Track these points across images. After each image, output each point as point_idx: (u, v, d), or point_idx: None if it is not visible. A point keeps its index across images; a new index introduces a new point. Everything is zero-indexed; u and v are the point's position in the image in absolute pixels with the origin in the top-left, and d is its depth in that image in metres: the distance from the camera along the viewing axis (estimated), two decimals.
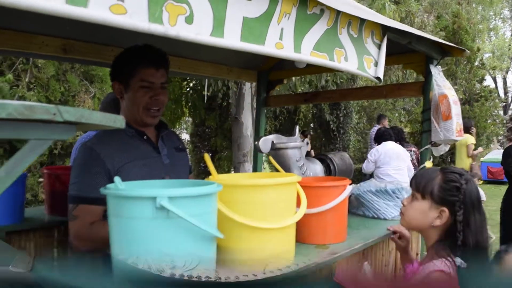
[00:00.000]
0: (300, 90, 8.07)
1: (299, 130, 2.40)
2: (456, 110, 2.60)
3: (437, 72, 2.64)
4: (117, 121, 0.91)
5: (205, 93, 7.25)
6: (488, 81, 27.99)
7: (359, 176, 9.13)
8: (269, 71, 3.34)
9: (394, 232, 1.91)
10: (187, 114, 10.43)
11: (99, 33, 2.22)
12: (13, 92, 4.57)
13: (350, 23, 1.72)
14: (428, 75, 2.64)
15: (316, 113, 12.13)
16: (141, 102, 1.75)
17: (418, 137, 18.47)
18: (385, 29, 1.94)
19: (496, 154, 14.41)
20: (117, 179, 1.14)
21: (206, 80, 7.45)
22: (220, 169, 10.18)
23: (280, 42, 1.40)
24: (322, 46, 1.59)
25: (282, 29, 1.40)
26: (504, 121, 5.47)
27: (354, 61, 1.77)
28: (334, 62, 1.66)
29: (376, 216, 2.24)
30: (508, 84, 29.13)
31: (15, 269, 0.94)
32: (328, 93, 3.68)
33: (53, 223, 2.35)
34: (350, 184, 1.85)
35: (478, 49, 20.88)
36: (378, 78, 1.86)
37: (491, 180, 14.26)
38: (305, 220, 1.67)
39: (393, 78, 8.82)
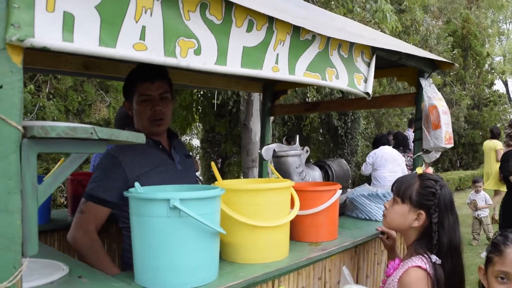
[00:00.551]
0: (308, 96, 8.29)
1: (298, 139, 2.61)
2: (445, 119, 2.79)
3: (427, 85, 2.84)
4: (140, 137, 1.15)
5: (215, 101, 7.48)
6: (498, 86, 27.94)
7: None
8: (274, 82, 3.56)
9: (382, 232, 2.12)
10: (198, 120, 10.68)
11: None
12: (34, 101, 4.84)
13: (340, 45, 1.93)
14: (419, 87, 2.84)
15: (325, 119, 12.32)
16: (145, 115, 1.95)
17: None
18: (374, 49, 2.16)
19: None
20: (136, 184, 1.37)
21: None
22: (230, 174, 10.41)
23: (276, 65, 1.62)
24: (314, 67, 1.80)
25: (277, 55, 1.62)
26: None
27: (344, 79, 1.98)
28: (326, 81, 1.87)
29: (368, 218, 2.44)
30: None
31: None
32: (328, 103, 3.89)
33: None
34: (342, 189, 2.07)
35: (488, 54, 20.96)
36: (367, 93, 2.07)
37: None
38: (300, 221, 1.90)
39: (399, 86, 8.97)
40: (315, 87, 8.12)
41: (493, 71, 22.94)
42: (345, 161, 2.93)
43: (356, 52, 2.04)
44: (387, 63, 2.55)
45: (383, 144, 5.99)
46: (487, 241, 6.43)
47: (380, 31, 6.06)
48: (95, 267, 1.56)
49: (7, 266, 0.94)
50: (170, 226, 1.26)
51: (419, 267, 1.69)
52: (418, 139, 2.86)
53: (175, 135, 2.15)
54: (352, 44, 1.98)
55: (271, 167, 2.07)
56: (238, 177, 9.66)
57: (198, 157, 12.55)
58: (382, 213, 1.88)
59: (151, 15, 1.20)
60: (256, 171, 7.56)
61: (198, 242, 1.30)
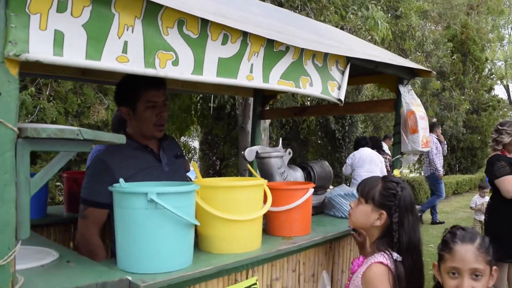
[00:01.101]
0: (304, 100, 8.48)
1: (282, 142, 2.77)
2: (422, 124, 2.95)
3: (406, 91, 2.99)
4: (120, 138, 1.32)
5: (211, 104, 7.66)
6: (499, 90, 28.03)
7: None
8: None
9: (355, 230, 2.27)
10: (196, 123, 10.88)
11: None
12: (34, 103, 5.02)
13: (314, 55, 2.09)
14: (399, 94, 3.00)
15: (322, 122, 12.48)
16: (150, 120, 2.09)
17: None
18: (349, 58, 2.31)
19: None
20: (121, 180, 1.53)
21: None
22: (227, 176, 10.57)
23: (250, 74, 1.78)
24: (288, 76, 1.95)
25: (252, 65, 1.77)
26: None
27: (318, 86, 2.13)
28: (300, 89, 2.03)
29: (344, 216, 2.60)
30: None
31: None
32: (314, 108, 4.07)
33: (70, 219, 2.75)
34: (323, 189, 2.23)
35: (486, 59, 21.08)
36: (339, 100, 2.23)
37: None
38: (275, 216, 2.06)
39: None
40: None
41: (492, 76, 23.07)
42: (327, 163, 3.08)
43: (330, 61, 2.19)
44: (369, 70, 2.71)
45: (363, 146, 6.45)
46: None
47: (371, 38, 6.23)
48: None
49: (2, 247, 1.11)
50: (148, 217, 1.42)
51: (381, 263, 1.83)
52: (397, 142, 3.02)
53: (166, 136, 2.28)
54: (326, 54, 2.14)
55: (249, 167, 2.24)
56: None
57: (197, 159, 12.75)
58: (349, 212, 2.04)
59: (132, 31, 1.37)
60: None
61: (174, 232, 1.46)
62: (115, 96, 2.21)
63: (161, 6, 1.39)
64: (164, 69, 1.46)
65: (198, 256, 1.66)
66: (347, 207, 2.60)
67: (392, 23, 9.03)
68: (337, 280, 2.45)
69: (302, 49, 1.98)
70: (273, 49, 1.85)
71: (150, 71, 1.42)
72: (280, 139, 2.79)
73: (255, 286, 1.87)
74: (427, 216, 9.29)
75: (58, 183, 5.69)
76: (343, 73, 2.28)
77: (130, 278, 1.39)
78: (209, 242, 1.74)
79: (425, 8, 13.03)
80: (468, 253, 1.60)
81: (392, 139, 8.35)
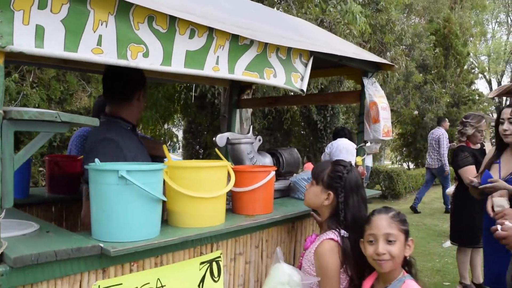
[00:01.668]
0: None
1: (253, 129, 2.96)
2: (384, 114, 3.15)
3: (370, 83, 3.19)
4: (94, 121, 1.49)
5: (193, 93, 7.82)
6: (480, 85, 28.46)
7: None
8: None
9: (314, 210, 2.47)
10: (179, 111, 11.01)
11: None
12: (18, 89, 5.14)
13: (278, 49, 2.27)
14: (363, 85, 3.20)
15: (305, 113, 12.70)
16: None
17: (408, 138, 19.05)
18: (312, 52, 2.49)
19: None
20: (96, 160, 1.71)
21: None
22: None
23: (216, 66, 1.96)
24: (253, 67, 2.13)
25: (218, 57, 1.95)
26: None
27: (282, 77, 2.32)
28: (264, 79, 2.21)
29: None
30: None
31: None
32: (287, 98, 4.25)
33: (52, 200, 2.92)
34: (291, 174, 2.42)
35: (468, 53, 21.42)
36: (302, 90, 2.41)
37: None
38: (239, 196, 2.26)
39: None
40: None
41: (473, 70, 23.46)
42: (296, 150, 3.28)
43: (294, 54, 2.38)
44: (336, 63, 2.90)
45: (341, 137, 6.77)
46: None
47: (349, 31, 6.43)
48: None
49: None
50: (119, 192, 1.60)
51: (332, 239, 2.06)
52: (360, 131, 3.23)
53: None
54: (290, 48, 2.33)
55: (217, 150, 2.42)
56: None
57: (181, 147, 12.92)
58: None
59: (106, 26, 1.54)
60: None
61: (142, 206, 1.65)
62: (130, 78, 2.32)
63: (132, 4, 1.56)
64: (135, 60, 1.64)
65: (165, 229, 1.85)
66: None
67: (373, 17, 9.24)
68: (299, 257, 2.65)
69: (266, 43, 2.16)
70: (238, 42, 2.02)
71: (122, 62, 1.59)
72: (251, 127, 2.98)
73: (219, 259, 2.07)
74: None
75: (41, 168, 5.83)
76: (306, 65, 2.46)
77: (102, 245, 1.57)
78: (177, 218, 1.93)
79: (410, 1, 13.28)
80: (382, 221, 1.85)
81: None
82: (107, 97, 2.40)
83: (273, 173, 2.31)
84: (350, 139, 6.83)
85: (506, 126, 3.09)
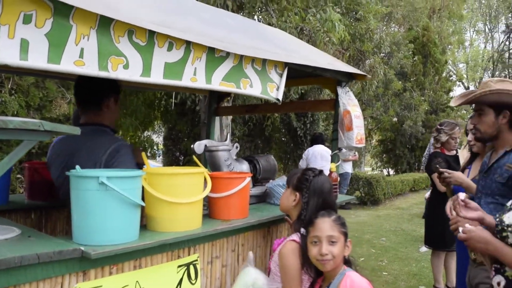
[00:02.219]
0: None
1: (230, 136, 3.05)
2: (357, 123, 3.27)
3: (344, 92, 3.31)
4: (75, 130, 1.57)
5: (173, 100, 7.88)
6: (458, 92, 28.91)
7: None
8: None
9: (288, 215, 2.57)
10: (159, 118, 11.03)
11: None
12: None
13: (254, 60, 2.37)
14: (337, 94, 3.31)
15: (285, 119, 12.84)
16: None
17: (388, 144, 19.33)
18: (286, 63, 2.59)
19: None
20: (77, 166, 1.78)
21: None
22: None
23: (194, 77, 2.04)
24: (229, 78, 2.22)
25: (195, 68, 2.04)
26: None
27: (258, 87, 2.41)
28: (241, 89, 2.30)
29: None
30: None
31: None
32: (265, 105, 4.36)
33: (31, 206, 2.95)
34: (267, 181, 2.51)
35: (446, 61, 21.85)
36: (277, 99, 2.51)
37: None
38: (215, 202, 2.35)
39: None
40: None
41: (451, 78, 23.93)
42: (273, 157, 3.38)
43: (269, 65, 2.47)
44: (312, 73, 3.01)
45: (317, 143, 7.13)
46: None
47: (329, 39, 6.57)
48: None
49: None
50: (99, 197, 1.68)
51: (294, 240, 2.19)
52: (335, 139, 3.34)
53: None
54: (265, 59, 2.43)
55: (195, 158, 2.50)
56: None
57: (161, 154, 12.93)
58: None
59: (88, 39, 1.62)
60: None
61: (121, 210, 1.72)
62: (100, 87, 2.35)
63: (112, 19, 1.64)
64: (116, 72, 1.72)
65: (144, 234, 1.92)
66: None
67: (352, 26, 9.43)
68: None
69: (242, 55, 2.26)
70: (214, 55, 2.12)
71: (103, 74, 1.67)
72: (228, 134, 3.07)
73: (197, 262, 2.15)
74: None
75: (18, 175, 5.81)
76: (281, 75, 2.56)
77: (83, 248, 1.64)
78: (155, 222, 2.01)
79: (388, 11, 13.53)
80: (325, 224, 2.04)
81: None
82: (79, 105, 2.45)
83: (248, 179, 2.40)
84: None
85: (469, 137, 3.32)
